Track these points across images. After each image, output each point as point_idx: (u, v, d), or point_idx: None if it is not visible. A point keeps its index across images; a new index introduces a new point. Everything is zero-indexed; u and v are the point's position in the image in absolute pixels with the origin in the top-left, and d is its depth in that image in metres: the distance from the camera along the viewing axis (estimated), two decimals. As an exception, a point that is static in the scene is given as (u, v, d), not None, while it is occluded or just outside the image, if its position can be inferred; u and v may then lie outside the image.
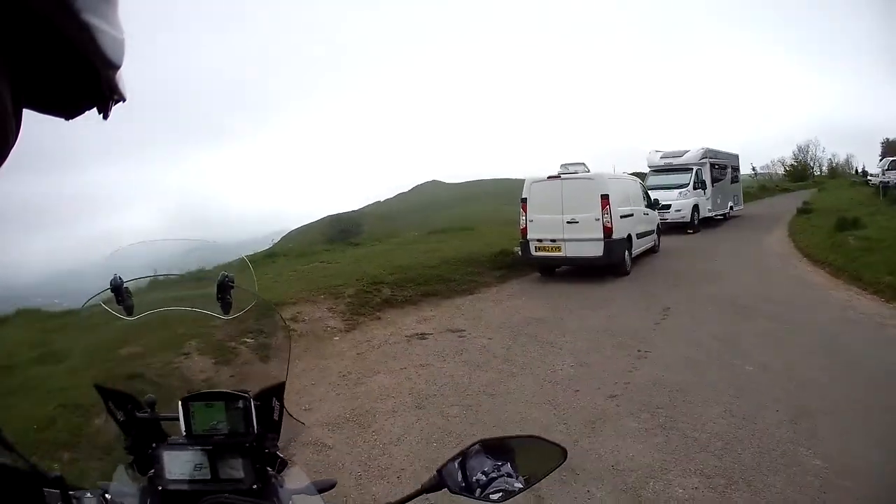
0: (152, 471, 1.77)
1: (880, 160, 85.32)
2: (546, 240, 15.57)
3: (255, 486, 1.73)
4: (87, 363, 2.50)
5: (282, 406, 1.82)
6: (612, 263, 15.44)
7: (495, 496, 1.63)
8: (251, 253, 18.79)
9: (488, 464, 1.68)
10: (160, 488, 1.73)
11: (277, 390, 1.83)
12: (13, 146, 0.64)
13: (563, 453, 1.72)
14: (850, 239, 17.02)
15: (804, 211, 27.77)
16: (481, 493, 1.65)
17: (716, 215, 28.61)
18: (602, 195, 15.05)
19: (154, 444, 1.80)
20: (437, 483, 1.67)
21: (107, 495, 1.59)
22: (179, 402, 1.77)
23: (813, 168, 79.88)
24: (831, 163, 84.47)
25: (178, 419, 1.78)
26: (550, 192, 15.55)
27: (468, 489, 1.66)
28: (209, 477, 1.74)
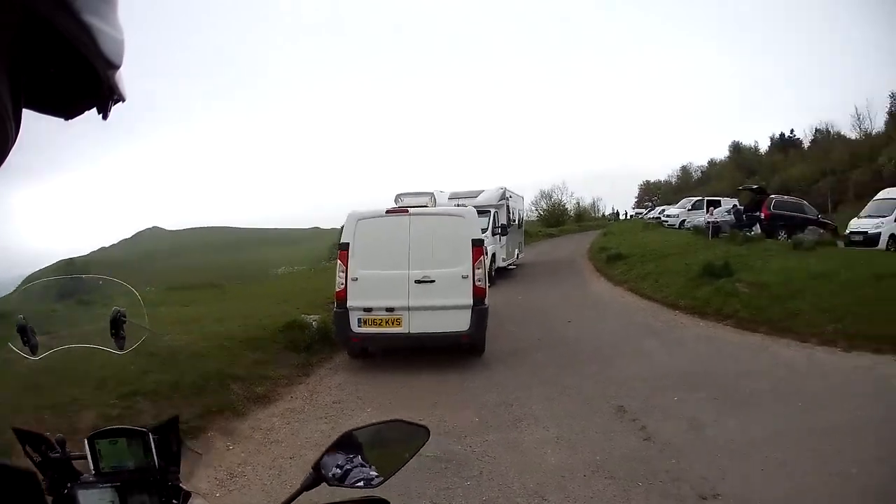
0: None
1: (641, 201, 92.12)
2: (379, 309, 10.29)
3: None
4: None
5: (179, 438, 1.85)
6: (477, 342, 10.73)
7: (359, 484, 1.75)
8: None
9: (340, 458, 1.79)
10: None
11: (173, 423, 1.86)
12: (13, 146, 0.64)
13: (427, 433, 1.90)
14: (739, 286, 15.14)
15: (616, 257, 25.40)
16: (340, 484, 1.76)
17: (508, 265, 25.09)
18: (474, 240, 10.36)
19: (69, 484, 1.81)
20: (315, 479, 1.75)
21: None
22: (86, 441, 1.79)
23: (568, 212, 78.76)
24: (578, 206, 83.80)
25: (86, 457, 1.80)
26: (390, 234, 10.48)
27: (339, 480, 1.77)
28: None
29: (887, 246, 22.95)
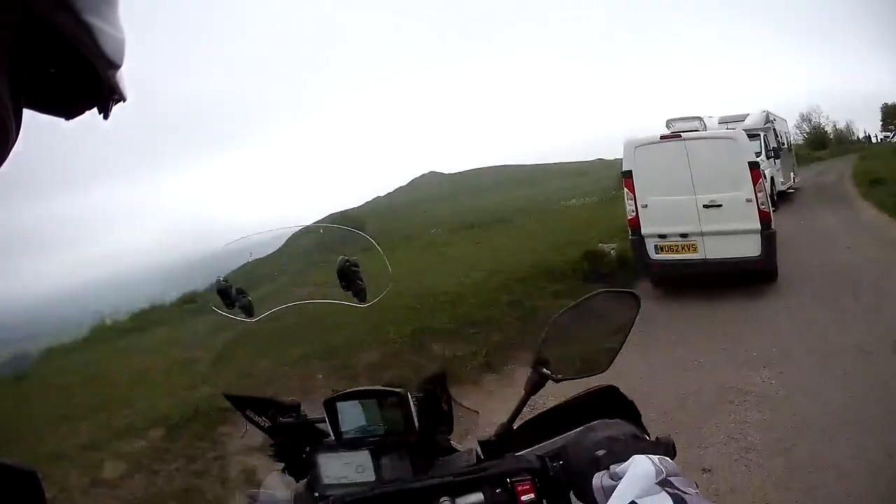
0: (309, 476, 1.76)
1: (885, 124, 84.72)
2: (673, 235, 10.36)
3: None
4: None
5: (448, 396, 1.74)
6: (770, 268, 10.35)
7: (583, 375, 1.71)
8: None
9: (559, 349, 1.70)
10: (316, 494, 1.71)
11: (439, 380, 1.75)
12: (13, 146, 0.63)
13: (636, 300, 1.75)
14: None
15: (877, 181, 23.65)
16: (565, 378, 1.68)
17: (787, 189, 24.10)
18: (750, 163, 10.02)
19: (308, 448, 1.77)
20: (540, 378, 1.67)
21: None
22: (323, 404, 1.71)
23: (828, 135, 76.91)
24: (835, 129, 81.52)
25: (324, 421, 1.73)
26: (669, 160, 10.32)
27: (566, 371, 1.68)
28: (373, 478, 1.68)
29: None
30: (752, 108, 23.64)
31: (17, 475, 0.82)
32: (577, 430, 1.51)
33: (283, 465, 1.80)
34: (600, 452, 1.29)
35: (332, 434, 1.71)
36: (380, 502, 1.53)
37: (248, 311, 1.90)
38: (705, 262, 10.25)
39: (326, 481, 1.69)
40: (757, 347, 7.78)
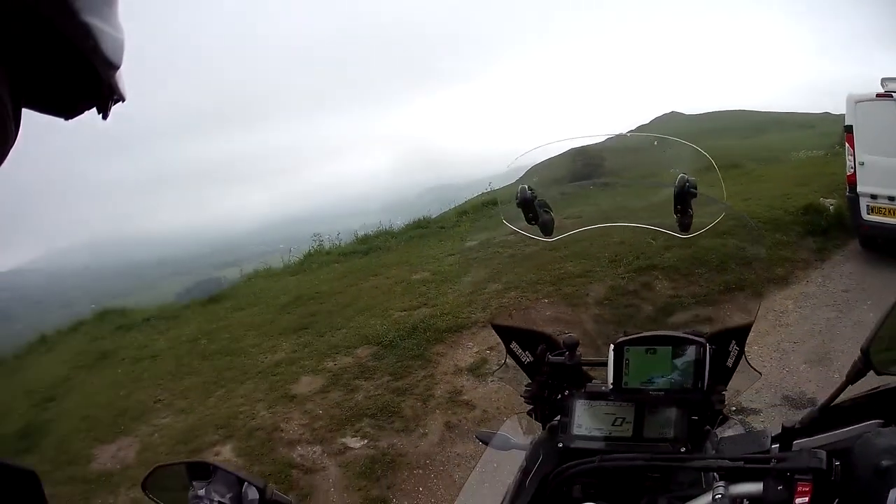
0: (556, 419, 1.65)
1: None
2: (882, 197, 9.56)
3: (683, 450, 1.52)
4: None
5: (741, 352, 1.63)
6: None
7: None
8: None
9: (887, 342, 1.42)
10: (560, 445, 1.60)
11: (739, 333, 1.64)
12: (13, 146, 0.64)
13: None
14: None
15: None
16: (891, 373, 1.43)
17: None
18: None
19: (566, 391, 1.67)
20: (863, 367, 1.42)
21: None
22: (611, 347, 1.56)
23: None
24: None
25: (604, 365, 1.59)
26: (883, 119, 9.53)
27: None
28: (630, 434, 1.58)
29: None
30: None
31: (17, 475, 0.85)
32: (858, 429, 1.43)
33: (530, 406, 1.73)
34: (885, 463, 1.17)
35: (609, 381, 1.58)
36: (642, 469, 1.47)
37: (548, 228, 1.80)
38: None
39: (577, 431, 1.60)
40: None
